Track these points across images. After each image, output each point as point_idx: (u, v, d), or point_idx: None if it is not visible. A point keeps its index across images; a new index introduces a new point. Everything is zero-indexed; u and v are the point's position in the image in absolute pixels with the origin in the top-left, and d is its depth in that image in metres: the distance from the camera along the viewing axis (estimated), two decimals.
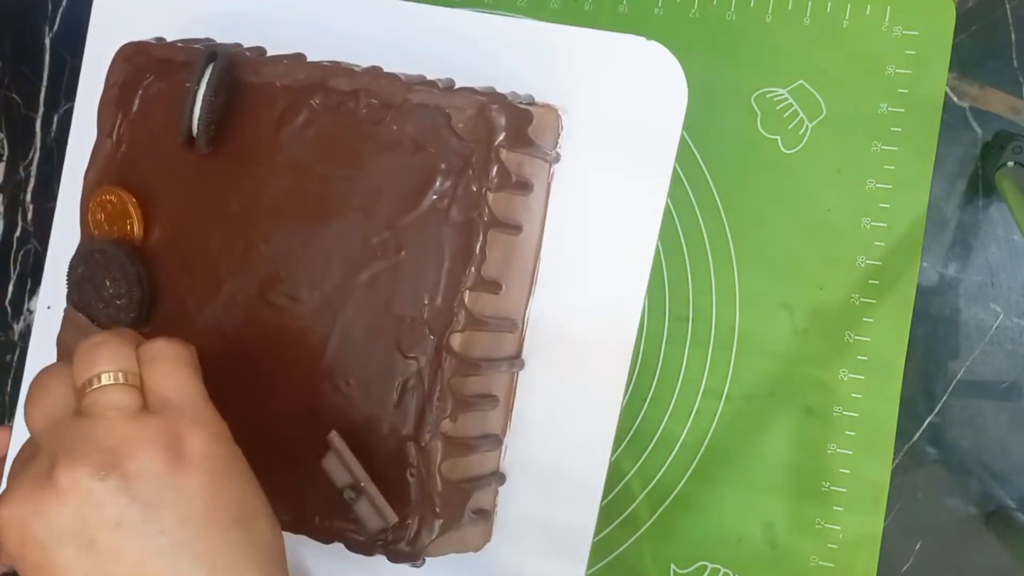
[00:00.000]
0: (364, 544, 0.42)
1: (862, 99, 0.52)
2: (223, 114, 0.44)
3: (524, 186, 0.44)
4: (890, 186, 0.51)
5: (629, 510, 0.54)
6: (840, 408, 0.51)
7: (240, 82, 0.44)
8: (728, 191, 0.53)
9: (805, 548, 0.51)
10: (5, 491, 0.34)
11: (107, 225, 0.47)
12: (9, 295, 0.90)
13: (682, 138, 0.44)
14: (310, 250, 0.43)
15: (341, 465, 0.41)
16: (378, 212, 0.42)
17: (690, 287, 0.54)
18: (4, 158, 0.89)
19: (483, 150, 0.41)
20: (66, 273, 0.47)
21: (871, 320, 0.51)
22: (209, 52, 0.44)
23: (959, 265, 0.93)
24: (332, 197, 0.43)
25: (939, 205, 0.92)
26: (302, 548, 0.44)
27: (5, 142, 0.88)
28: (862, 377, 0.51)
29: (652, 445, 0.54)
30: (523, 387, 0.46)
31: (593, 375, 0.45)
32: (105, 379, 0.35)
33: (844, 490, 0.51)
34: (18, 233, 0.90)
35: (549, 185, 0.46)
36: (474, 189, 0.41)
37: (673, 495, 0.53)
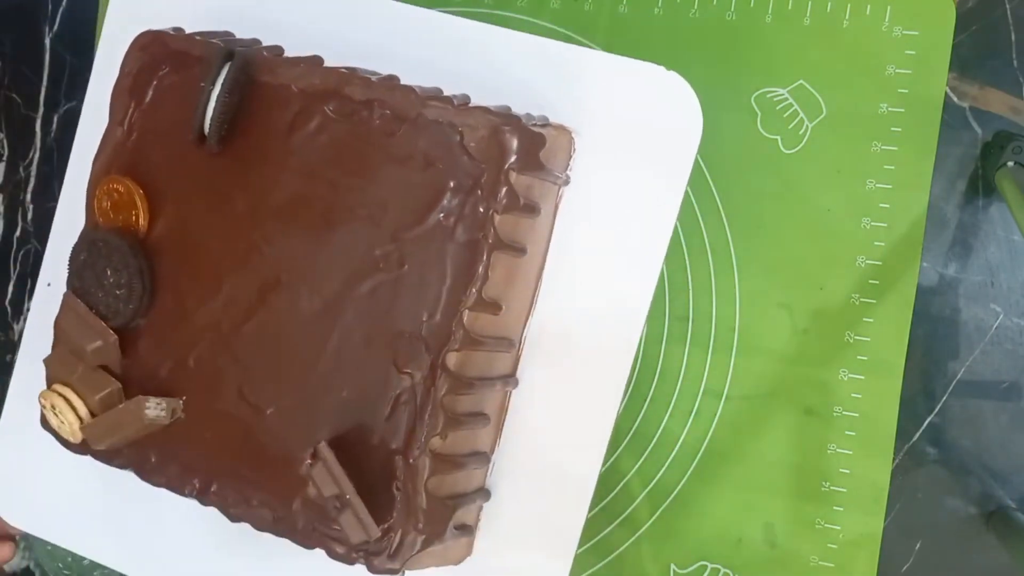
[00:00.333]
0: (345, 554, 0.42)
1: (862, 99, 0.52)
2: (236, 113, 0.44)
3: (532, 209, 0.43)
4: (890, 186, 0.51)
5: (629, 510, 0.54)
6: (840, 408, 0.51)
7: (255, 82, 0.44)
8: (728, 191, 0.53)
9: (805, 548, 0.51)
10: None
11: (112, 213, 0.47)
12: (9, 295, 0.90)
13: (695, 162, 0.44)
14: (313, 256, 0.43)
15: (328, 476, 0.41)
16: (384, 224, 0.42)
17: (690, 287, 0.54)
18: (4, 158, 0.89)
19: (493, 171, 0.41)
20: (68, 257, 0.47)
21: (871, 320, 0.51)
22: (226, 51, 0.44)
23: (959, 265, 0.93)
24: (339, 205, 0.43)
25: (939, 205, 0.92)
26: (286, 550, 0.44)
27: (5, 142, 0.88)
28: (862, 377, 0.51)
29: (652, 445, 0.54)
30: (517, 401, 0.46)
31: (588, 392, 0.45)
32: None
33: (844, 490, 0.51)
34: (18, 233, 0.90)
35: (557, 207, 0.46)
36: (481, 210, 0.41)
37: (673, 495, 0.53)
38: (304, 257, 0.43)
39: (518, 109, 0.43)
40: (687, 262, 0.54)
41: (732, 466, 0.53)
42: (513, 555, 0.46)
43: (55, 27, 0.86)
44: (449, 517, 0.43)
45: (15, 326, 0.91)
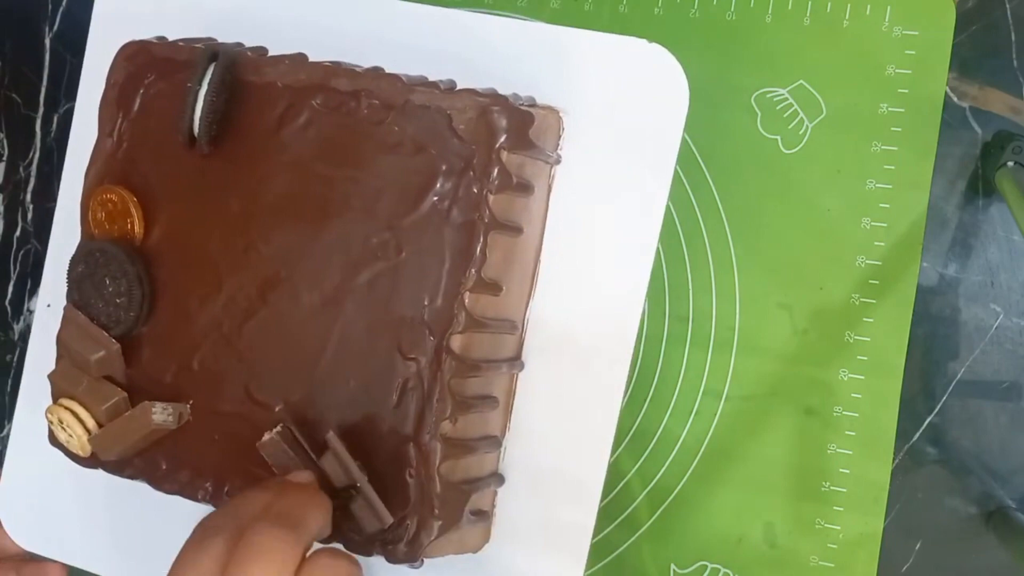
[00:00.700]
0: (362, 544, 0.42)
1: (862, 99, 0.52)
2: (224, 114, 0.44)
3: (525, 188, 0.44)
4: (890, 186, 0.51)
5: (629, 510, 0.54)
6: (840, 408, 0.51)
7: (241, 82, 0.44)
8: (728, 191, 0.53)
9: (805, 548, 0.51)
10: None
11: (107, 224, 0.47)
12: (9, 295, 0.90)
13: (682, 138, 0.44)
14: (310, 250, 0.43)
15: (339, 466, 0.41)
16: (379, 213, 0.42)
17: (690, 287, 0.54)
18: (4, 158, 0.89)
19: (484, 152, 0.41)
20: (66, 271, 0.47)
21: (871, 320, 0.51)
22: (211, 52, 0.44)
23: (959, 265, 0.93)
24: (333, 197, 0.43)
25: (939, 205, 0.92)
26: None
27: (5, 142, 0.88)
28: (862, 377, 0.51)
29: (652, 445, 0.54)
30: (523, 388, 0.46)
31: (593, 376, 0.45)
32: None
33: (844, 490, 0.51)
34: (18, 233, 0.90)
35: (550, 187, 0.46)
36: (475, 191, 0.41)
37: (673, 495, 0.53)
38: (302, 252, 0.43)
39: (504, 91, 0.43)
40: (687, 262, 0.54)
41: (732, 466, 0.53)
42: (526, 548, 0.46)
43: (55, 27, 0.86)
44: (464, 502, 0.43)
45: (15, 326, 0.91)
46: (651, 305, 0.54)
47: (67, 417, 0.46)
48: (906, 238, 0.51)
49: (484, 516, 0.46)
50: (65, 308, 0.47)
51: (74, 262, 0.47)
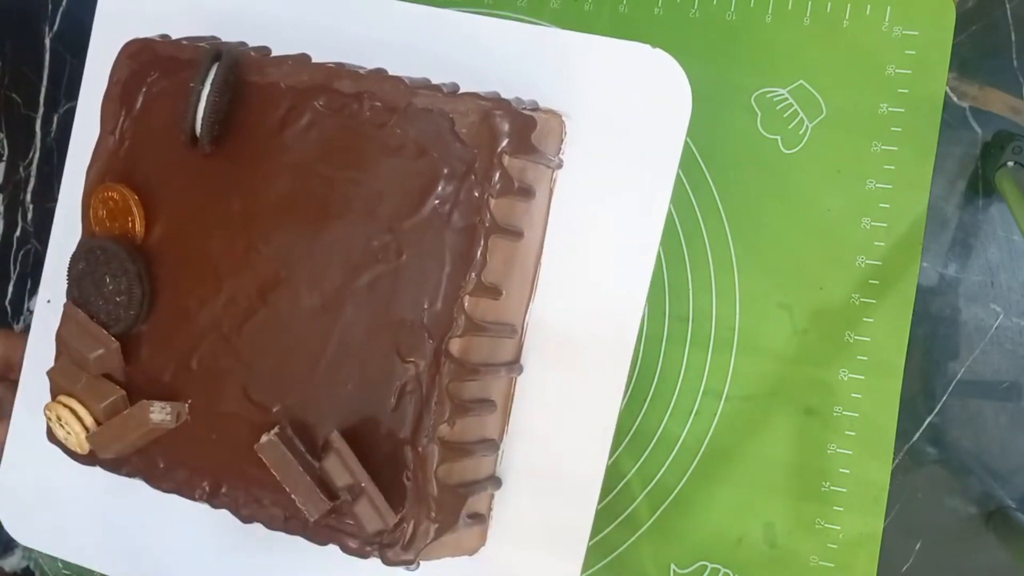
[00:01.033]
0: (359, 547, 0.42)
1: (862, 99, 0.52)
2: (226, 113, 0.44)
3: (526, 192, 0.43)
4: (890, 186, 0.51)
5: (629, 510, 0.54)
6: (840, 408, 0.51)
7: (244, 82, 0.44)
8: (728, 191, 0.53)
9: (805, 548, 0.51)
10: None
11: (108, 222, 0.47)
12: (9, 295, 0.90)
13: (684, 142, 0.44)
14: (311, 252, 0.43)
15: (342, 465, 0.41)
16: (380, 215, 0.42)
17: (690, 287, 0.54)
18: (4, 158, 0.89)
19: (486, 156, 0.41)
20: (67, 268, 0.47)
21: (871, 320, 0.51)
22: (214, 51, 0.44)
23: (959, 265, 0.93)
24: (334, 199, 0.43)
25: (939, 205, 0.92)
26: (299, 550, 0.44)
27: (5, 142, 0.88)
28: (862, 377, 0.51)
29: (652, 445, 0.54)
30: (522, 389, 0.46)
31: (593, 377, 0.45)
32: None
33: (844, 490, 0.51)
34: (18, 233, 0.90)
35: (551, 191, 0.46)
36: (476, 195, 0.41)
37: (673, 495, 0.53)
38: (302, 253, 0.43)
39: (507, 95, 0.43)
40: (687, 262, 0.54)
41: (732, 466, 0.53)
42: (523, 549, 0.46)
43: (55, 27, 0.86)
44: (461, 505, 0.43)
45: (15, 326, 0.91)
46: (651, 305, 0.54)
47: (65, 414, 0.46)
48: (906, 238, 0.51)
49: (480, 519, 0.46)
50: (65, 305, 0.47)
51: (74, 259, 0.47)
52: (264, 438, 0.42)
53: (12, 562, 0.82)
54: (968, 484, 0.95)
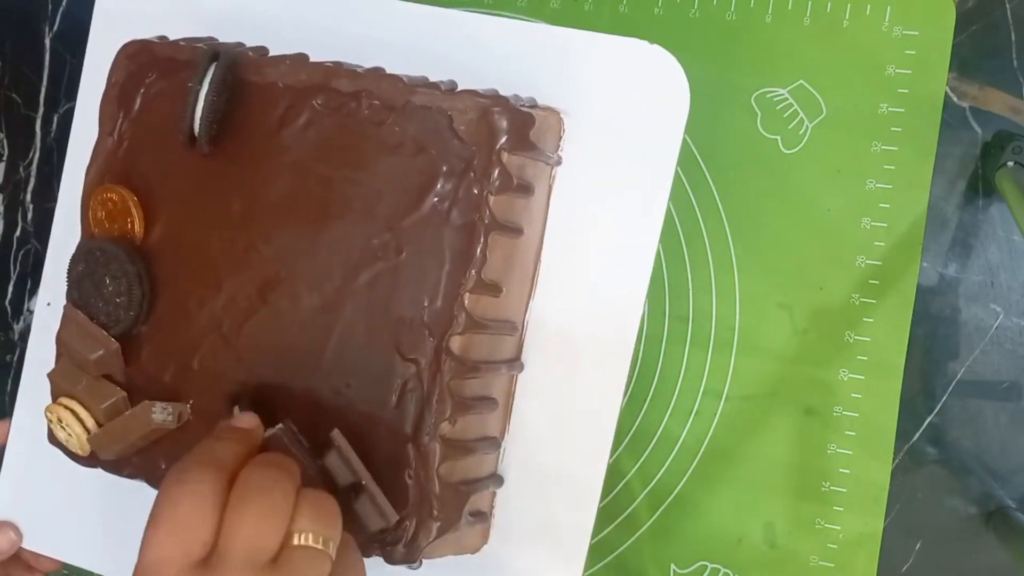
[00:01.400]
0: (361, 545, 0.42)
1: (862, 99, 0.52)
2: (225, 114, 0.44)
3: (525, 189, 0.44)
4: (890, 186, 0.51)
5: (629, 510, 0.54)
6: (840, 408, 0.51)
7: (242, 82, 0.44)
8: (728, 191, 0.53)
9: (805, 548, 0.51)
10: None
11: (108, 223, 0.47)
12: (9, 295, 0.90)
13: (682, 138, 0.44)
14: (310, 251, 0.43)
15: (343, 464, 0.41)
16: (379, 213, 0.42)
17: (690, 287, 0.54)
18: (4, 158, 0.89)
19: (485, 153, 0.41)
20: (66, 270, 0.47)
21: (871, 320, 0.51)
22: (212, 52, 0.44)
23: (959, 265, 0.93)
24: (333, 198, 0.43)
25: (939, 205, 0.92)
26: None
27: (5, 142, 0.88)
28: (862, 377, 0.51)
29: (652, 445, 0.54)
30: (523, 388, 0.46)
31: (593, 376, 0.45)
32: (306, 540, 0.35)
33: (844, 490, 0.51)
34: (18, 233, 0.90)
35: (550, 188, 0.46)
36: (475, 192, 0.41)
37: (673, 495, 0.53)
38: (302, 252, 0.43)
39: (505, 93, 0.43)
40: (687, 262, 0.54)
41: (732, 466, 0.53)
42: (525, 547, 0.46)
43: (55, 27, 0.86)
44: (463, 503, 0.43)
45: (15, 326, 0.91)
46: (651, 305, 0.54)
47: (66, 416, 0.46)
48: (906, 238, 0.51)
49: (483, 517, 0.46)
50: (65, 307, 0.47)
51: (74, 261, 0.47)
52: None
53: None
54: (968, 484, 0.95)
